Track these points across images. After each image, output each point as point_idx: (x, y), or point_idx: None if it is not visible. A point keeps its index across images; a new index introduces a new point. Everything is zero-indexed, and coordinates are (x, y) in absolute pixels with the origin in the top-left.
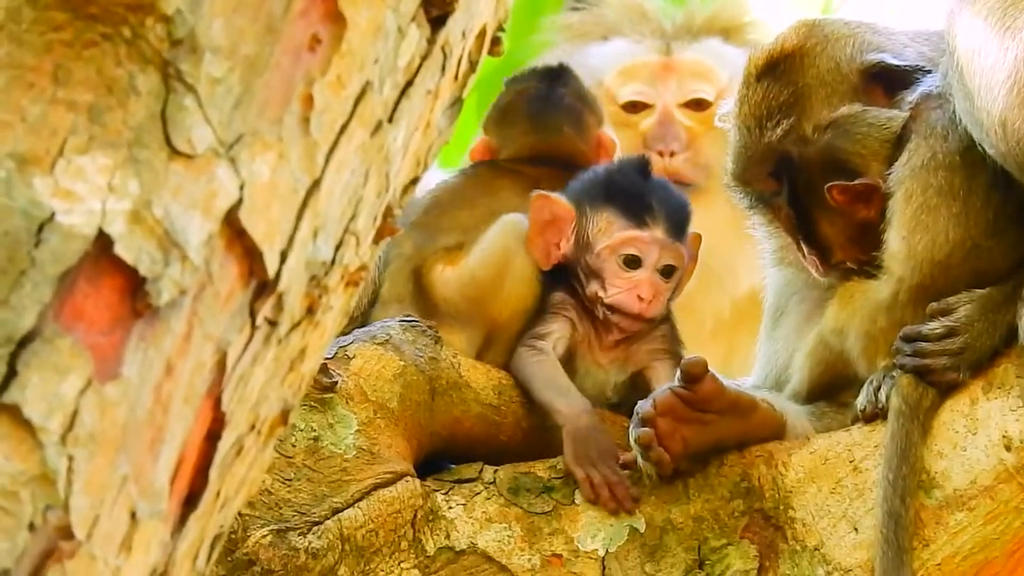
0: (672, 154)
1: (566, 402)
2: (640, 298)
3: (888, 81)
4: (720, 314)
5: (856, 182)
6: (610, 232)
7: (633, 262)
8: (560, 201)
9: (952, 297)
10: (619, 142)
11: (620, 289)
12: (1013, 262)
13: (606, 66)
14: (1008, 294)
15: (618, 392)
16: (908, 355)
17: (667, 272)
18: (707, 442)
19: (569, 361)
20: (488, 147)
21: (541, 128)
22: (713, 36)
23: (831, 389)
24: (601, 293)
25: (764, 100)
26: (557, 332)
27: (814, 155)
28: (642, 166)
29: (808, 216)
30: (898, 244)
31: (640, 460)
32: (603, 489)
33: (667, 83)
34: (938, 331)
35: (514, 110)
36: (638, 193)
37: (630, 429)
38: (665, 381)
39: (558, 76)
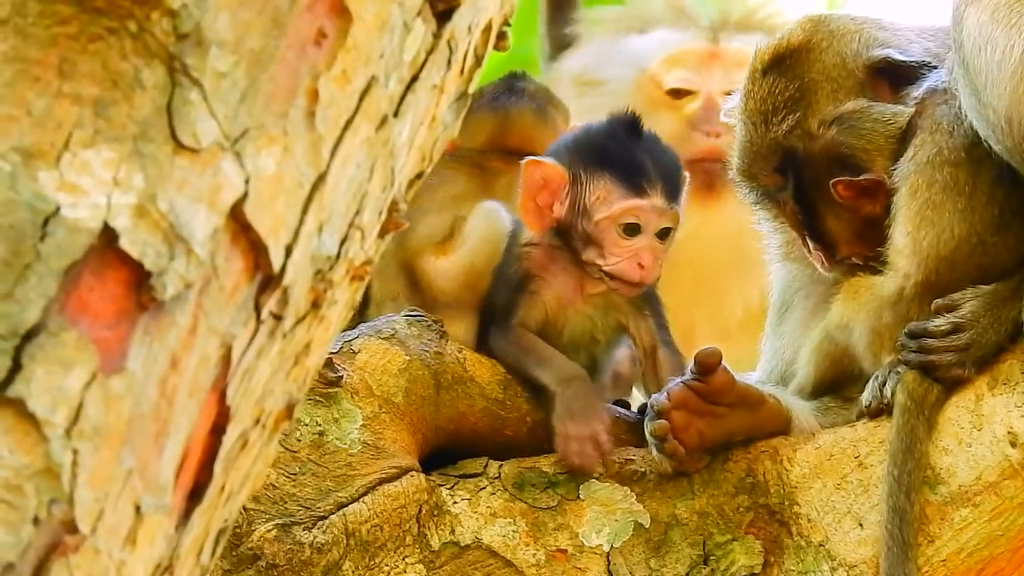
0: (718, 135)
1: (554, 370)
2: (640, 266)
3: (894, 77)
4: (749, 304)
5: (861, 178)
6: (609, 201)
7: (633, 230)
8: (552, 165)
9: (957, 293)
10: (664, 125)
11: (620, 258)
12: (1018, 257)
13: (651, 53)
14: (1013, 289)
15: (606, 334)
16: (913, 351)
17: (664, 234)
18: (720, 436)
19: (554, 313)
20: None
21: (503, 114)
22: (757, 30)
23: (836, 384)
24: (600, 261)
25: (770, 95)
26: (523, 310)
27: (819, 150)
28: (633, 125)
29: (813, 211)
30: (903, 240)
31: (655, 452)
32: (573, 443)
33: (712, 71)
34: (944, 328)
35: (475, 101)
36: (634, 159)
37: (645, 422)
38: (648, 338)
39: (520, 75)
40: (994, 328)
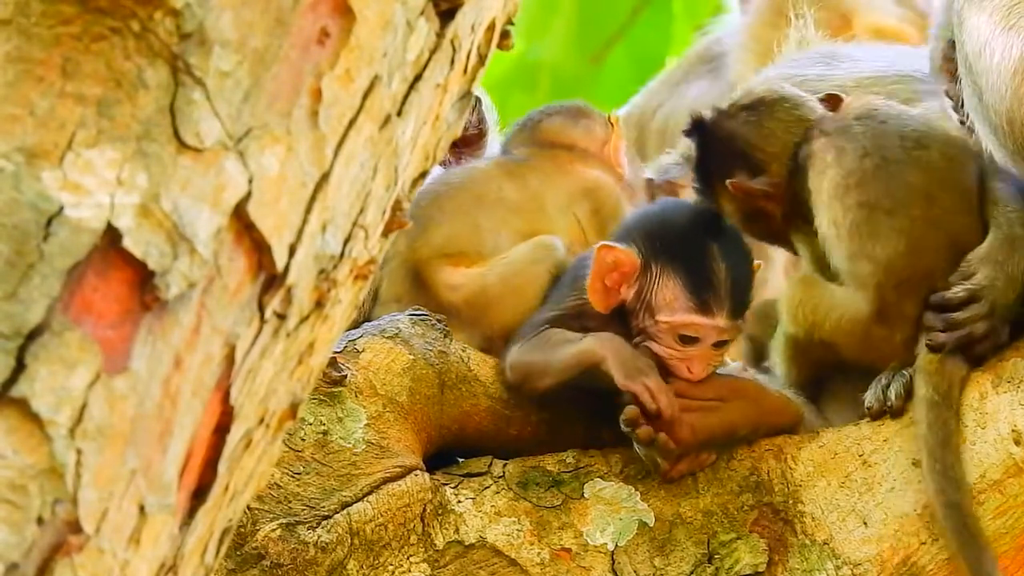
0: None
1: (590, 341)
2: (689, 369)
3: None
4: None
5: (755, 184)
6: (673, 309)
7: (690, 341)
8: (626, 252)
9: (969, 257)
10: None
11: (670, 357)
12: (976, 226)
13: None
14: (1014, 239)
15: None
16: (942, 330)
17: (720, 344)
18: (718, 428)
19: None
20: None
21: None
22: None
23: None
24: (648, 345)
25: None
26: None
27: (723, 135)
28: (713, 224)
29: (710, 186)
30: (853, 264)
31: (642, 452)
32: (661, 395)
33: None
34: (960, 295)
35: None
36: (708, 269)
37: (623, 426)
38: None
39: None
40: (1011, 286)
